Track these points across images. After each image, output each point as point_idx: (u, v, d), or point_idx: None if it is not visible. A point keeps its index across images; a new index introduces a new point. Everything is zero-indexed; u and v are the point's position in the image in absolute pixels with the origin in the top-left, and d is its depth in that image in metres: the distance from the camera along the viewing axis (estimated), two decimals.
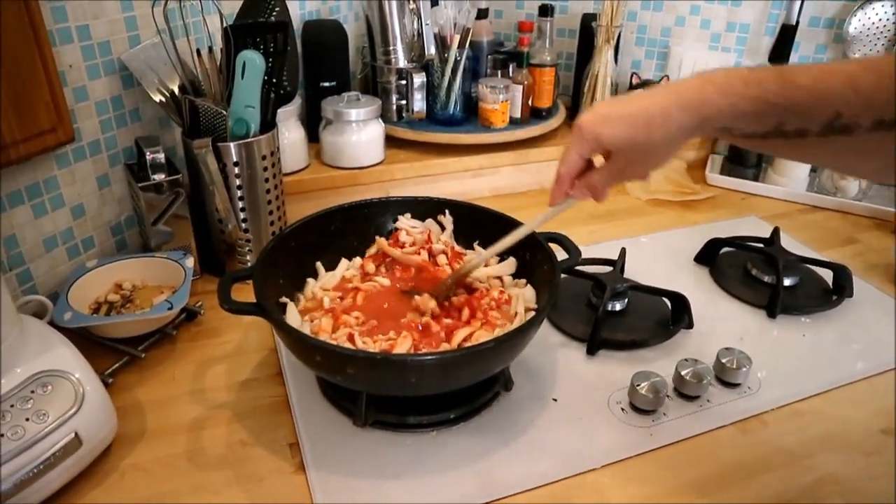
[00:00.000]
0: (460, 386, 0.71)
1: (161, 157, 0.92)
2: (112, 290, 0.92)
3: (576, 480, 0.69)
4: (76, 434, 0.65)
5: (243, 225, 0.99)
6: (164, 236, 0.98)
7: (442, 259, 0.88)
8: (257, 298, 0.71)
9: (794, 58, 1.34)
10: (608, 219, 1.25)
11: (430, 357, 0.63)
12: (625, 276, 0.98)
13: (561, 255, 0.82)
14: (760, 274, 1.02)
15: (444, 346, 0.73)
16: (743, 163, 1.39)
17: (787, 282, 0.98)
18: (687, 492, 0.69)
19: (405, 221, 0.93)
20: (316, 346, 0.64)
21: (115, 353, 0.84)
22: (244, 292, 0.75)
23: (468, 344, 0.72)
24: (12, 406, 0.63)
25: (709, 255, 1.08)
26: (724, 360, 0.81)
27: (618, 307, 0.93)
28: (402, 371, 0.64)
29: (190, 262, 0.93)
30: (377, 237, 0.91)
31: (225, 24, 0.91)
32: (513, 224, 0.86)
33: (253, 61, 0.90)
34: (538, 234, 0.83)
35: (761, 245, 1.07)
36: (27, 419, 0.63)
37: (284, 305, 0.80)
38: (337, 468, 0.70)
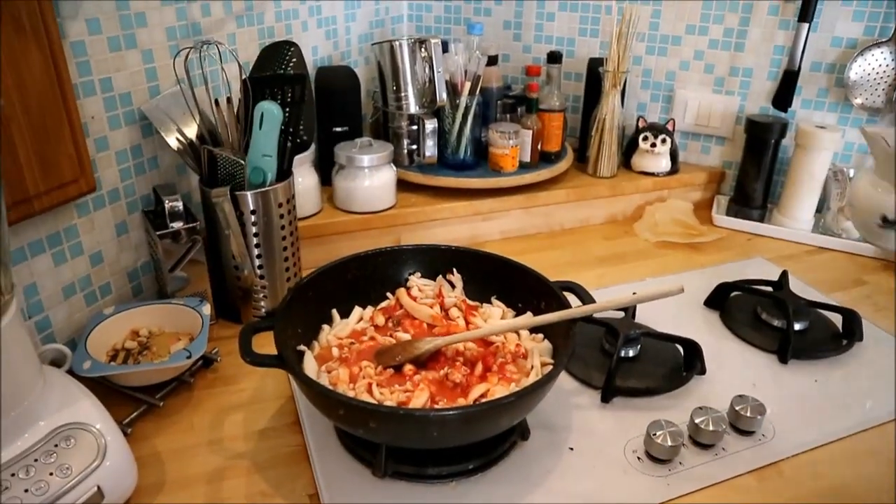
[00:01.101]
0: (480, 438, 0.71)
1: (179, 205, 0.94)
2: (129, 337, 0.93)
3: None
4: (98, 488, 0.66)
5: (259, 271, 1.00)
6: (180, 282, 0.99)
7: (454, 312, 0.89)
8: (279, 350, 0.72)
9: (796, 102, 1.36)
10: (616, 262, 1.27)
11: (452, 412, 0.64)
12: (636, 320, 0.99)
13: (575, 303, 0.83)
14: (770, 318, 1.03)
15: (461, 402, 0.73)
16: (748, 203, 1.41)
17: (797, 326, 0.99)
18: None
19: (416, 280, 0.94)
20: (340, 401, 0.65)
21: (132, 401, 0.85)
22: (261, 341, 0.76)
23: (484, 399, 0.73)
24: (36, 461, 0.64)
25: (718, 299, 1.09)
26: (738, 408, 0.82)
27: (631, 353, 0.93)
28: (425, 425, 0.65)
29: (207, 309, 0.93)
30: (399, 289, 0.92)
31: (243, 76, 0.93)
32: (527, 273, 0.87)
33: (271, 112, 0.92)
34: (552, 283, 0.84)
35: (770, 289, 1.09)
36: (51, 473, 0.63)
37: (302, 353, 0.81)
38: None
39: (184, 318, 0.94)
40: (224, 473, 0.76)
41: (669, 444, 0.76)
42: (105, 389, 0.85)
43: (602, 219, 1.43)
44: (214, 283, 1.02)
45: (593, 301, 0.83)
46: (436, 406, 0.73)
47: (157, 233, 0.93)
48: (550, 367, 0.79)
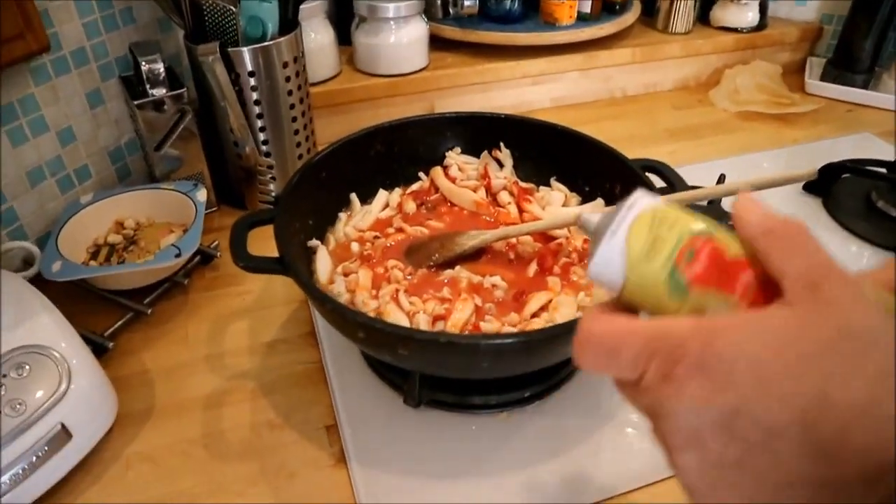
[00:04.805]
0: (542, 366, 0.56)
1: (159, 67, 0.75)
2: (113, 230, 0.78)
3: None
4: (62, 426, 0.52)
5: (264, 147, 0.83)
6: (171, 163, 0.82)
7: (504, 197, 0.71)
8: (281, 252, 0.56)
9: None
10: (690, 136, 1.07)
11: (510, 340, 0.47)
12: (724, 209, 0.81)
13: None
14: (888, 207, 0.84)
15: (514, 317, 0.57)
16: (851, 67, 1.17)
17: None
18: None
19: (456, 157, 0.76)
20: (359, 323, 0.49)
21: (117, 307, 0.71)
22: (266, 236, 0.59)
23: (545, 314, 0.57)
24: None
25: (822, 183, 0.89)
26: None
27: None
28: (473, 356, 0.49)
29: (202, 194, 0.77)
30: (434, 168, 0.75)
31: None
32: (597, 148, 0.69)
33: None
34: (632, 163, 0.66)
35: (885, 170, 0.88)
36: None
37: (314, 250, 0.65)
38: (386, 461, 0.56)
39: (177, 206, 0.78)
40: (224, 397, 0.63)
41: None
42: (85, 294, 0.72)
43: (672, 84, 1.22)
44: (212, 163, 0.85)
45: (683, 182, 0.64)
46: (484, 321, 0.57)
47: (135, 102, 0.76)
48: None
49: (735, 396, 0.26)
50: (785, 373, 0.25)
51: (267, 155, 0.83)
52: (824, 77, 1.19)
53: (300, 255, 0.63)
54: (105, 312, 0.70)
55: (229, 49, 0.75)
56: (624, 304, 0.32)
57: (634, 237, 0.30)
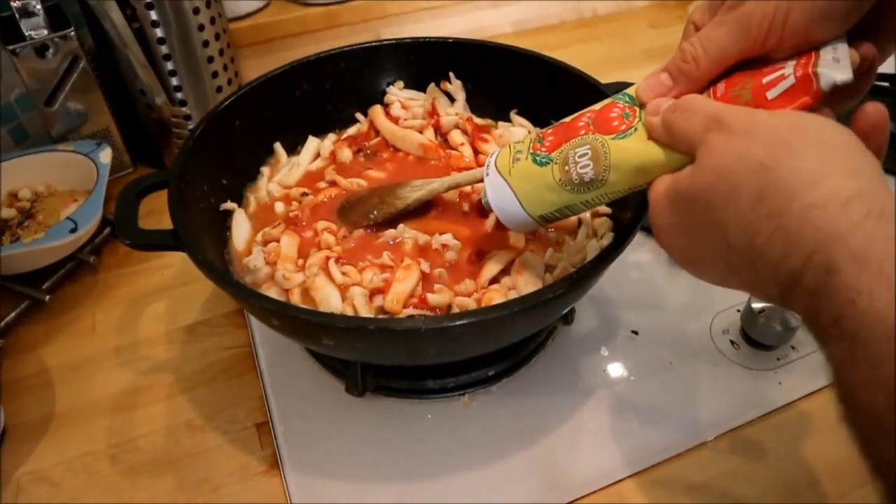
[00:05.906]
0: (503, 345, 0.46)
1: (34, 4, 0.63)
2: (6, 203, 0.67)
3: (677, 465, 0.47)
4: None
5: (178, 95, 0.71)
6: (72, 120, 0.71)
7: (456, 137, 0.60)
8: (176, 223, 0.45)
9: None
10: (668, 57, 0.95)
11: (459, 321, 0.37)
12: None
13: None
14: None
15: (468, 284, 0.47)
16: None
17: None
18: (852, 476, 0.46)
19: (398, 92, 0.65)
20: (267, 309, 0.39)
21: (11, 296, 0.60)
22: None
23: (507, 278, 0.47)
24: None
25: None
26: None
27: None
28: (414, 343, 0.39)
29: (105, 155, 0.66)
30: (373, 107, 0.64)
31: None
32: (564, 73, 0.58)
33: None
34: (604, 88, 0.55)
35: (887, 84, 0.79)
36: None
37: (229, 214, 0.55)
38: (327, 463, 0.47)
39: (80, 170, 0.67)
40: (136, 397, 0.53)
41: (781, 323, 0.52)
42: None
43: None
44: (122, 117, 0.74)
45: None
46: (433, 292, 0.47)
47: (9, 47, 0.63)
48: (606, 218, 0.52)
49: (679, 259, 0.34)
50: (699, 236, 0.31)
51: (182, 104, 0.72)
52: None
53: (211, 222, 0.53)
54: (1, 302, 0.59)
55: None
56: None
57: (500, 162, 0.41)
